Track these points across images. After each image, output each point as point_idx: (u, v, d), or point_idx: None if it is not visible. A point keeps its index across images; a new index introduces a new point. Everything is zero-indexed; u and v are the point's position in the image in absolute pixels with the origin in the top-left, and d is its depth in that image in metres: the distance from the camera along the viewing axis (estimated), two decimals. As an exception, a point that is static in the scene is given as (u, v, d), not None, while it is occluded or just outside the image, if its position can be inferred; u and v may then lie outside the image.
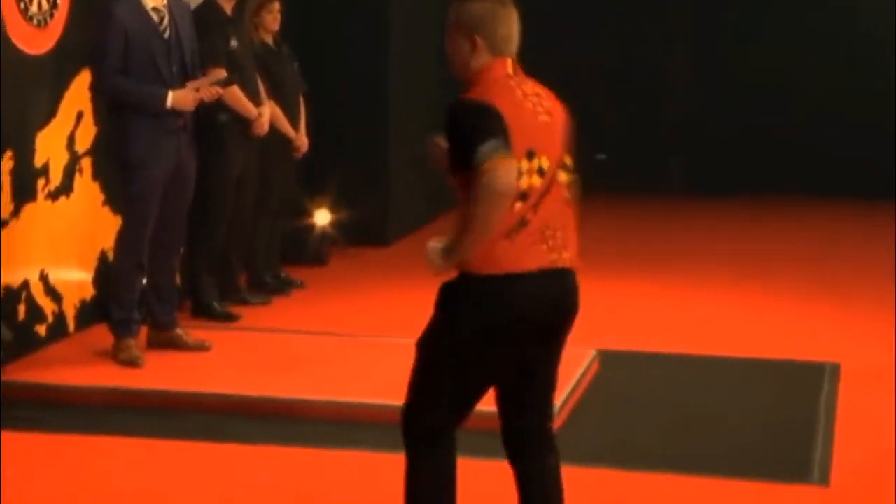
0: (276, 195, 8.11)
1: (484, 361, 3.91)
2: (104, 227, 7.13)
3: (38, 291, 6.60)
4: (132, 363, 6.42)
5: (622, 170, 12.44)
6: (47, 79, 6.59)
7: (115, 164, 6.52)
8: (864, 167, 11.65)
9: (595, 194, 11.85)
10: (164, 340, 6.69)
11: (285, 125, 7.96)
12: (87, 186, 6.98)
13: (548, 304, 3.90)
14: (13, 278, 6.40)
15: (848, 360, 6.81)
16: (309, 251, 9.04)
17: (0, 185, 6.24)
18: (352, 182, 9.28)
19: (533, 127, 3.87)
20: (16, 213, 6.38)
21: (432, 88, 10.73)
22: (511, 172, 3.73)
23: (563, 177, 3.94)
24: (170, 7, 6.43)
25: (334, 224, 9.17)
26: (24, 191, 6.42)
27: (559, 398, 5.89)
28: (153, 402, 5.99)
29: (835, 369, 6.66)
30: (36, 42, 6.47)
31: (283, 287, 8.22)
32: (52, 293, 6.73)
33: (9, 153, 6.30)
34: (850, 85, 11.86)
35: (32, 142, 6.48)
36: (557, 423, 5.76)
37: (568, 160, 3.97)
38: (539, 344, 3.95)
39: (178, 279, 6.93)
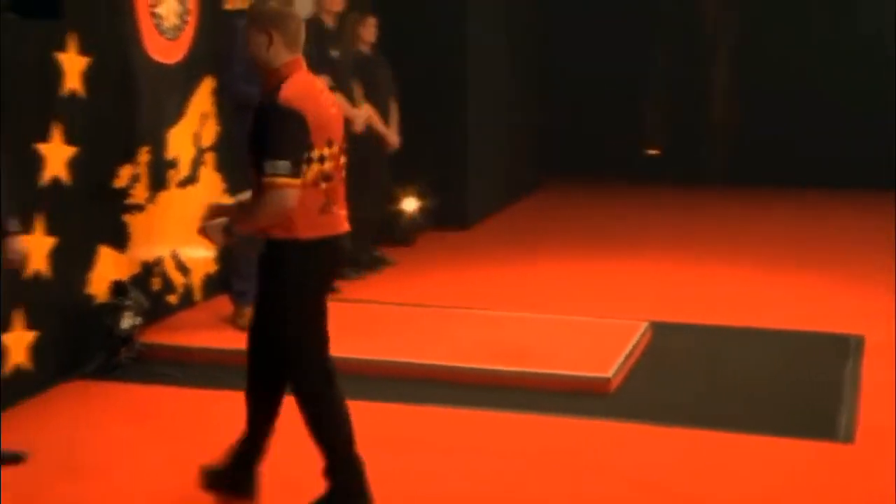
0: (372, 184, 8.16)
1: (318, 301, 4.22)
2: (225, 212, 7.22)
3: (170, 266, 6.72)
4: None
5: (670, 163, 12.37)
6: (177, 84, 6.67)
7: (238, 157, 6.58)
8: (888, 162, 11.48)
9: (646, 185, 11.93)
10: (276, 309, 6.78)
11: (379, 124, 8.00)
12: (210, 176, 7.06)
13: (342, 258, 4.29)
14: (149, 255, 6.53)
15: (872, 333, 6.76)
16: (398, 233, 9.09)
17: (139, 176, 6.38)
18: (436, 174, 9.33)
19: (328, 119, 4.12)
20: (151, 199, 6.48)
21: (504, 91, 10.76)
22: (289, 197, 4.00)
23: (342, 159, 4.23)
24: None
25: (420, 210, 9.22)
26: (158, 180, 6.53)
27: (615, 364, 5.95)
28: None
29: (859, 341, 6.62)
30: (168, 53, 6.57)
31: (376, 264, 8.27)
32: (182, 268, 6.85)
33: (146, 148, 6.40)
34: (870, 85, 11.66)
35: (165, 139, 6.58)
36: (615, 384, 5.82)
37: (343, 144, 4.25)
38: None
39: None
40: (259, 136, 4.04)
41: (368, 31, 7.99)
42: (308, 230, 4.09)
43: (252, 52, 4.17)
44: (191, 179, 6.85)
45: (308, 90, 4.10)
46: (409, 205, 9.13)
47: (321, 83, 4.24)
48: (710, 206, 11.22)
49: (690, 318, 7.08)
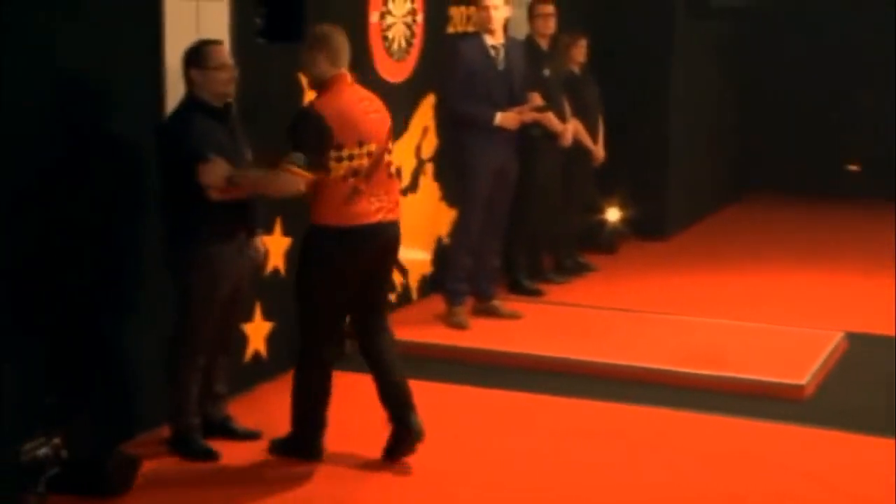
0: (578, 195, 8.17)
1: (342, 282, 4.56)
2: (441, 218, 7.34)
3: (390, 267, 6.89)
4: (460, 326, 6.61)
5: (870, 179, 11.89)
6: (402, 101, 6.78)
7: (455, 167, 6.72)
8: None
9: (846, 200, 11.51)
10: (485, 309, 6.84)
11: (586, 139, 7.98)
12: (429, 186, 7.20)
13: (378, 244, 4.61)
14: (372, 256, 6.69)
15: None
16: (602, 241, 9.04)
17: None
18: (637, 187, 9.24)
19: (363, 123, 4.52)
20: (376, 205, 6.65)
21: (705, 107, 10.56)
22: (295, 182, 4.43)
23: (388, 158, 4.63)
24: (506, 44, 6.57)
25: (623, 220, 9.16)
26: (382, 188, 6.69)
27: (809, 371, 5.80)
28: (476, 357, 6.15)
29: None
30: (395, 73, 6.73)
31: (580, 270, 8.24)
32: (401, 269, 6.95)
33: (372, 159, 6.59)
34: None
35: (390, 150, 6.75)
36: (809, 391, 5.67)
37: (391, 146, 4.67)
38: (374, 267, 4.62)
39: (498, 260, 7.05)
40: (290, 130, 4.51)
41: (579, 51, 7.99)
42: (333, 218, 4.50)
43: (305, 67, 4.63)
44: (412, 188, 6.99)
45: (344, 99, 4.51)
46: (612, 215, 9.08)
47: (364, 93, 4.65)
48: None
49: (887, 331, 6.81)
